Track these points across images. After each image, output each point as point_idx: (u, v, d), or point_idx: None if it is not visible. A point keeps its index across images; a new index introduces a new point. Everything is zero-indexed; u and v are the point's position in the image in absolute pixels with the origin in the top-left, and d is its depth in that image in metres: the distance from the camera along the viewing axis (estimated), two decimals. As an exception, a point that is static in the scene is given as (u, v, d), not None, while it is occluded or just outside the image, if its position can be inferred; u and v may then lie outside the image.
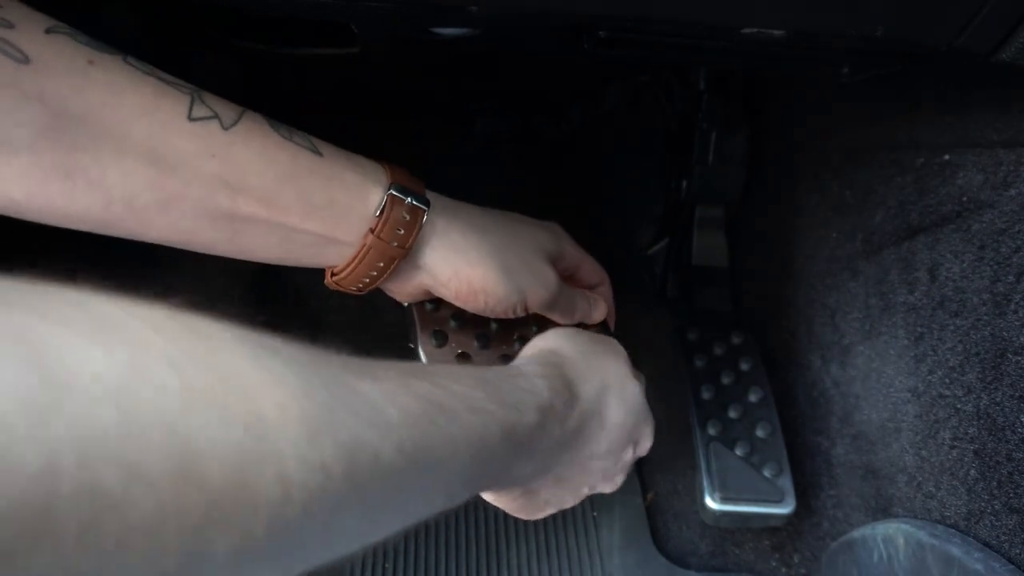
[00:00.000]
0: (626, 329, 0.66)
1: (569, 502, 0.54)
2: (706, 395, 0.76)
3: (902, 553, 0.59)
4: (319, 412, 0.26)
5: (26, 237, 0.46)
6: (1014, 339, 0.52)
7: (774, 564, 0.77)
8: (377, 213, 0.48)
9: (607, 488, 0.55)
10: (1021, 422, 0.51)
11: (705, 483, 0.71)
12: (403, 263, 0.51)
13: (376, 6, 0.47)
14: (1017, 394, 0.52)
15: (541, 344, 0.54)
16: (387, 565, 0.72)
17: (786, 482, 0.71)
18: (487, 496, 0.52)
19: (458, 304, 0.54)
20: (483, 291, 0.53)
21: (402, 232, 0.49)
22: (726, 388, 0.77)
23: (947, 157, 0.62)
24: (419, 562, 0.73)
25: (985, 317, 0.55)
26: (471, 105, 1.03)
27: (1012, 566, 0.50)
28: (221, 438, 0.21)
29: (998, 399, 0.53)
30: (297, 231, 0.47)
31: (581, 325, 0.63)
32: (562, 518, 0.77)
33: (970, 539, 0.54)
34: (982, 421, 0.54)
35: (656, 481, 0.81)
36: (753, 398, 0.75)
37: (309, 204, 0.47)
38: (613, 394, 0.52)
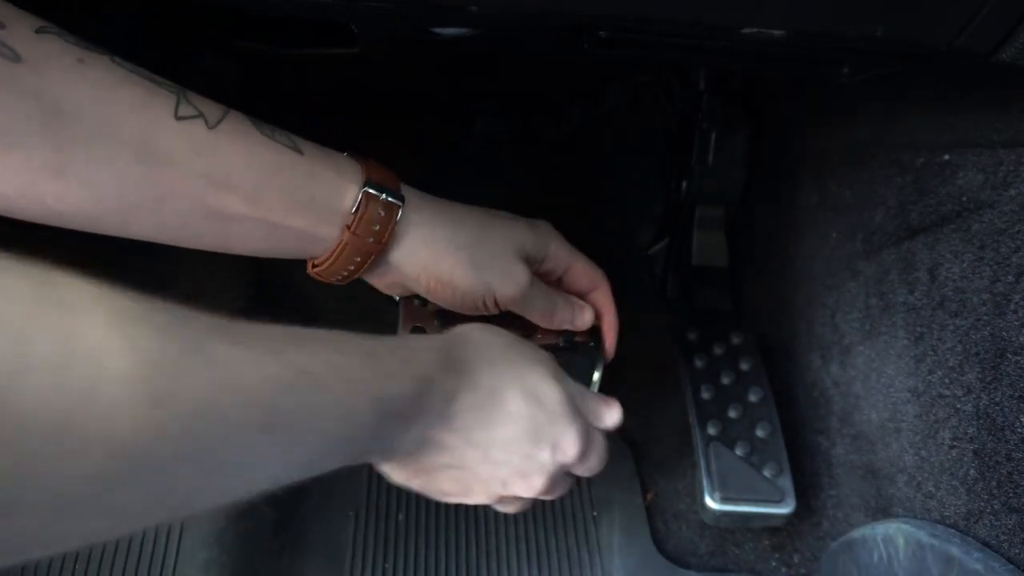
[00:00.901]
0: (626, 329, 0.66)
1: (479, 495, 0.53)
2: (706, 395, 0.76)
3: (902, 553, 0.59)
4: (166, 377, 0.27)
5: (23, 234, 0.46)
6: (1014, 339, 0.52)
7: (774, 564, 0.77)
8: (353, 210, 0.50)
9: (524, 490, 0.53)
10: (1021, 422, 0.51)
11: (705, 483, 0.71)
12: (378, 258, 0.52)
13: (376, 6, 0.47)
14: (1017, 394, 0.52)
15: (453, 330, 0.53)
16: (387, 565, 0.72)
17: (786, 482, 0.71)
18: (383, 466, 0.51)
19: (430, 298, 0.55)
20: (450, 284, 0.54)
21: (378, 228, 0.50)
22: (726, 388, 0.77)
23: (947, 157, 0.62)
24: (419, 562, 0.73)
25: (985, 317, 0.55)
26: (471, 105, 1.03)
27: (1012, 566, 0.50)
28: (48, 400, 0.23)
29: (998, 399, 0.53)
30: (280, 227, 0.49)
31: (567, 333, 0.62)
32: (562, 518, 0.77)
33: (970, 539, 0.54)
34: (982, 421, 0.54)
35: (656, 481, 0.81)
36: (753, 398, 0.75)
37: (291, 201, 0.48)
38: (520, 387, 0.51)
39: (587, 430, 0.53)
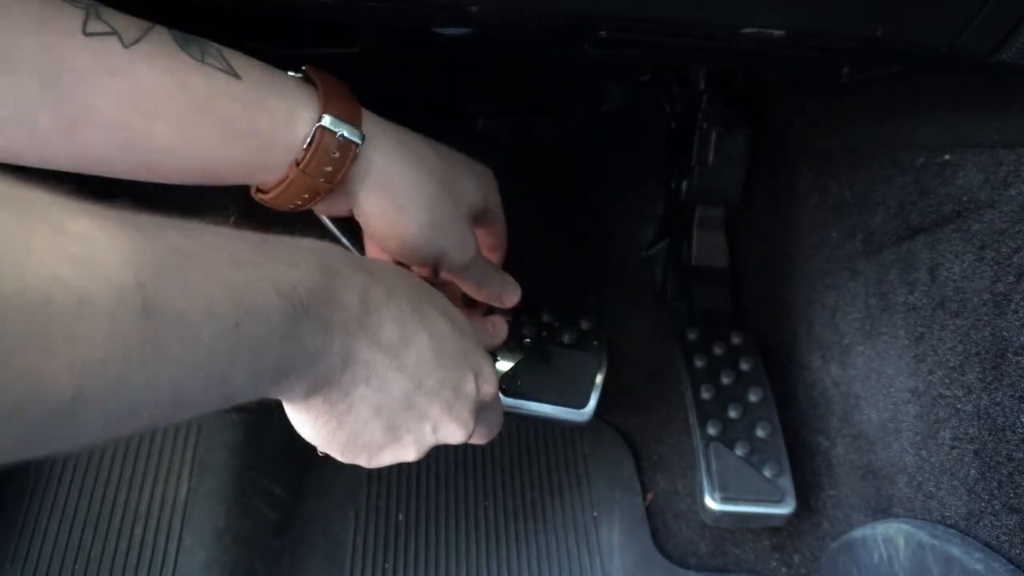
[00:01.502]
0: (626, 329, 0.66)
1: (409, 446, 0.46)
2: (706, 395, 0.76)
3: (902, 553, 0.59)
4: (13, 232, 0.23)
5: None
6: (1014, 339, 0.52)
7: (774, 564, 0.77)
8: (304, 145, 0.45)
9: (455, 430, 0.46)
10: (1021, 422, 0.51)
11: (705, 483, 0.71)
12: (329, 195, 0.48)
13: (376, 6, 0.47)
14: (1017, 394, 0.52)
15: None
16: (387, 565, 0.72)
17: (786, 482, 0.71)
18: (303, 431, 0.43)
19: (369, 234, 0.51)
20: (401, 236, 0.50)
21: (330, 169, 0.45)
22: (726, 388, 0.77)
23: (947, 157, 0.62)
24: (419, 562, 0.73)
25: (985, 317, 0.55)
26: (471, 105, 1.02)
27: (1012, 566, 0.50)
28: None
29: (998, 399, 0.53)
30: (217, 160, 0.44)
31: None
32: (562, 518, 0.77)
33: (970, 539, 0.54)
34: (982, 421, 0.54)
35: (656, 481, 0.81)
36: (753, 398, 0.75)
37: (229, 131, 0.43)
38: (431, 302, 0.45)
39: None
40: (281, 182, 0.46)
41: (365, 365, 0.41)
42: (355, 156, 0.46)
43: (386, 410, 0.43)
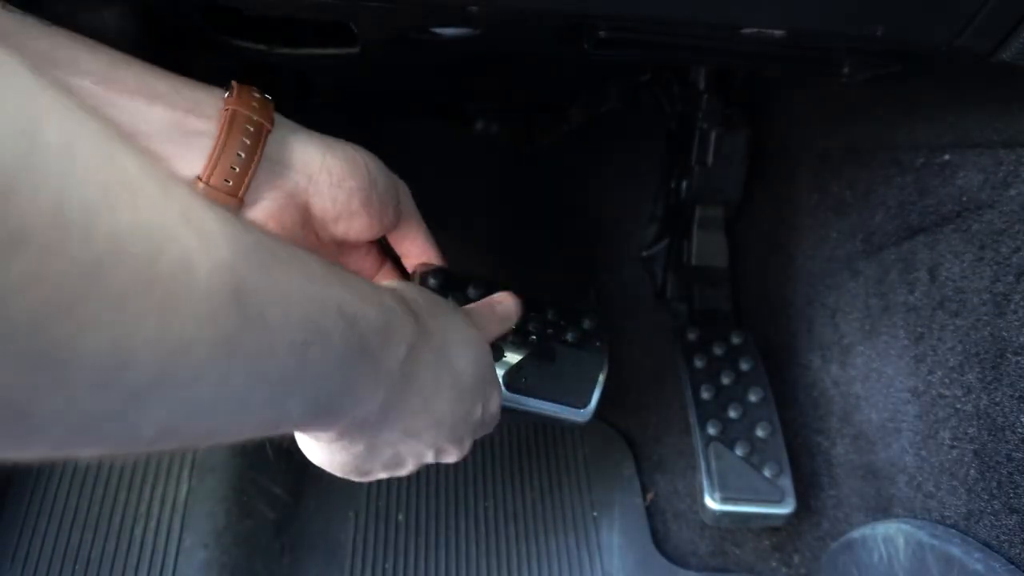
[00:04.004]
0: (626, 329, 0.65)
1: (409, 465, 0.47)
2: (706, 395, 0.76)
3: (902, 553, 0.59)
4: (134, 171, 0.22)
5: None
6: (1014, 339, 0.52)
7: (774, 564, 0.77)
8: (226, 95, 0.47)
9: (454, 453, 0.48)
10: (1021, 422, 0.51)
11: (705, 483, 0.71)
12: (272, 167, 0.47)
13: (376, 6, 0.47)
14: (1017, 394, 0.52)
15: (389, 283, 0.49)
16: (387, 565, 0.72)
17: (786, 482, 0.71)
18: (311, 454, 0.43)
19: (327, 202, 0.49)
20: (365, 164, 0.50)
21: (256, 118, 0.47)
22: (726, 388, 0.77)
23: (947, 157, 0.62)
24: (419, 562, 0.73)
25: (985, 317, 0.55)
26: (471, 105, 1.03)
27: (1012, 566, 0.50)
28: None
29: (998, 399, 0.53)
30: (145, 116, 0.44)
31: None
32: (562, 518, 0.77)
33: (970, 539, 0.54)
34: (982, 421, 0.54)
35: (656, 481, 0.81)
36: (753, 398, 0.75)
37: (152, 89, 0.44)
38: (459, 339, 0.46)
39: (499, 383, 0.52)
40: (220, 129, 0.46)
41: (399, 415, 0.41)
42: (272, 110, 0.48)
43: (403, 447, 0.44)
